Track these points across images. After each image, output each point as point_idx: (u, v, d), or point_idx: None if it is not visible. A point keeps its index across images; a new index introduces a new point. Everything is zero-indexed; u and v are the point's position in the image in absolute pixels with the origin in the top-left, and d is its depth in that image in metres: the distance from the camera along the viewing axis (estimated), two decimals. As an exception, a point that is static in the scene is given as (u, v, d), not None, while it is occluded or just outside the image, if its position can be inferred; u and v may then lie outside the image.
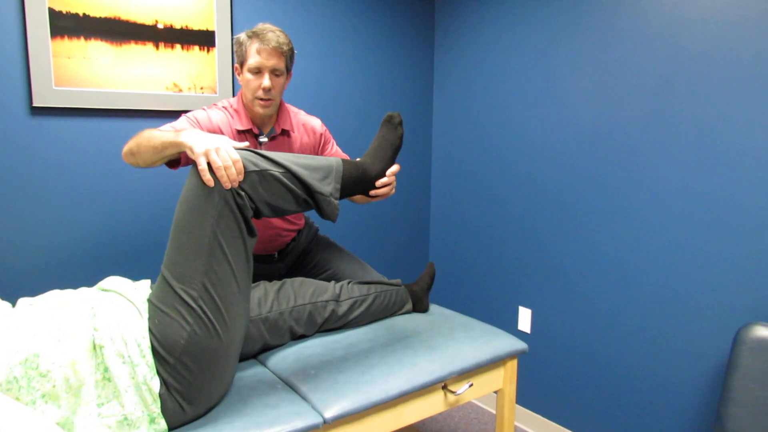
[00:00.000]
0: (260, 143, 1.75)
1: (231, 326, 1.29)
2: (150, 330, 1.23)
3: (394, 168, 1.56)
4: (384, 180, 1.54)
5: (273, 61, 1.62)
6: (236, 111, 1.73)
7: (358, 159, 1.58)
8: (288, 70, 1.69)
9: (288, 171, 1.38)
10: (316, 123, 1.89)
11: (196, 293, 1.24)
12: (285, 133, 1.78)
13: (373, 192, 1.55)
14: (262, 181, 1.34)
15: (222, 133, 1.68)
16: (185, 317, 1.23)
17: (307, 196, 1.42)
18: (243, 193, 1.31)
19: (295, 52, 1.69)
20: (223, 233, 1.28)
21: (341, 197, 1.49)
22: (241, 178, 1.29)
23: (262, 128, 1.76)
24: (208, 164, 1.26)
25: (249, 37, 1.64)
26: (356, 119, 2.55)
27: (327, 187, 1.43)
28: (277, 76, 1.65)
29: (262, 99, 1.65)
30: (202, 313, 1.24)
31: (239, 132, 1.72)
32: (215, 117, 1.69)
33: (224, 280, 1.28)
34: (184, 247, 1.27)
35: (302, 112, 1.89)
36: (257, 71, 1.64)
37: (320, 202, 1.43)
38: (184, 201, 1.30)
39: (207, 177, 1.26)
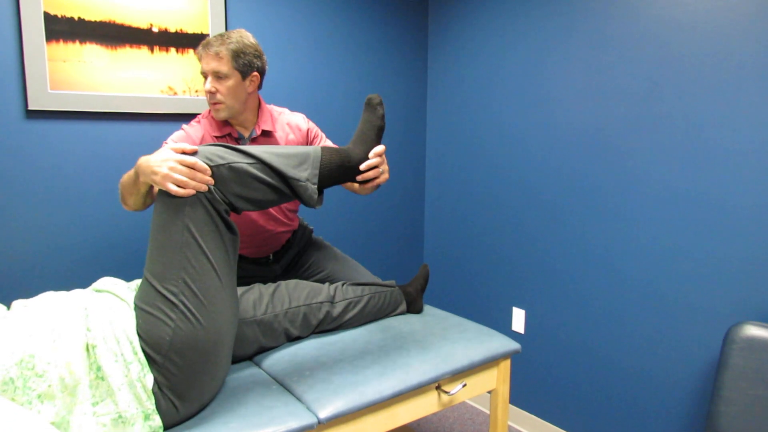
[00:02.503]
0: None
1: (216, 319, 1.29)
2: (137, 332, 1.23)
3: (379, 149, 1.51)
4: (370, 162, 1.49)
5: (212, 65, 1.64)
6: (212, 118, 1.75)
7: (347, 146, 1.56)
8: (240, 71, 1.67)
9: (259, 161, 1.36)
10: (300, 119, 1.89)
11: (176, 289, 1.25)
12: (266, 134, 1.80)
13: (360, 177, 1.51)
14: (231, 174, 1.33)
15: (205, 140, 1.72)
16: (168, 314, 1.23)
17: (283, 185, 1.40)
18: (211, 186, 1.31)
19: (247, 52, 1.66)
20: (196, 226, 1.28)
21: (326, 185, 1.47)
22: (208, 177, 1.30)
23: (242, 131, 1.78)
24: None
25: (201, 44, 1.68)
26: (350, 121, 2.56)
27: (303, 173, 1.41)
28: (220, 78, 1.65)
29: (211, 103, 1.69)
30: (185, 307, 1.24)
31: (217, 138, 1.74)
32: (194, 132, 1.72)
33: (204, 273, 1.28)
34: (160, 245, 1.28)
35: (286, 111, 1.90)
36: (205, 76, 1.67)
37: (296, 188, 1.40)
38: (158, 201, 1.31)
39: (183, 193, 1.28)
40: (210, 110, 1.76)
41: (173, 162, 1.28)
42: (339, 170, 1.47)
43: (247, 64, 1.67)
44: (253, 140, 1.77)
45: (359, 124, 1.55)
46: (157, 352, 1.22)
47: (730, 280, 1.76)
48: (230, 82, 1.66)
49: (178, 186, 1.27)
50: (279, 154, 1.40)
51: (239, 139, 1.76)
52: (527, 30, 2.30)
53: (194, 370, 1.24)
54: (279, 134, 1.82)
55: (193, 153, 1.32)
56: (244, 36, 1.68)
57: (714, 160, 1.77)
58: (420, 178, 2.87)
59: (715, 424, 1.59)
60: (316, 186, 1.43)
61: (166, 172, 1.27)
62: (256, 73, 1.71)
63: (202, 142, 1.71)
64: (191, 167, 1.28)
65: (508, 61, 2.40)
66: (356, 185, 1.69)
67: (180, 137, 1.70)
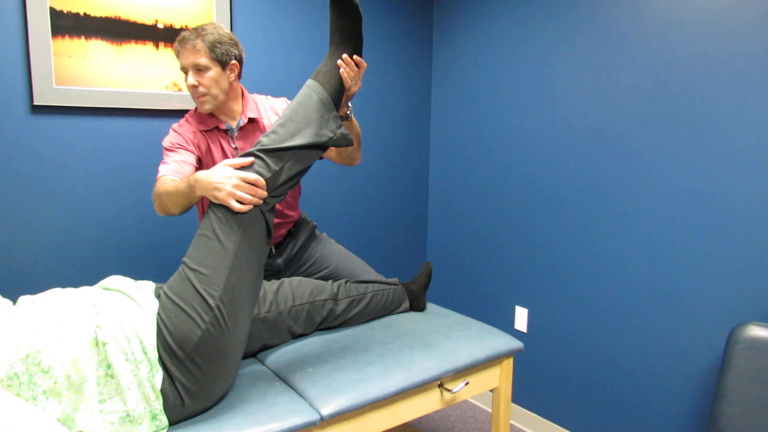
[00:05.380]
0: (231, 137, 1.79)
1: (240, 327, 1.32)
2: (162, 322, 1.25)
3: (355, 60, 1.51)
4: (348, 60, 1.50)
5: (190, 59, 1.66)
6: (199, 113, 1.78)
7: (326, 57, 1.50)
8: (219, 62, 1.68)
9: (297, 148, 1.39)
10: (282, 102, 1.92)
11: (217, 294, 1.27)
12: (252, 121, 1.82)
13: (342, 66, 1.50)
14: (281, 178, 1.38)
15: (196, 140, 1.74)
16: (201, 316, 1.25)
17: (321, 151, 1.45)
18: (269, 200, 1.37)
19: (223, 41, 1.68)
20: (251, 240, 1.33)
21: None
22: (265, 194, 1.35)
23: (229, 122, 1.79)
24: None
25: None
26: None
27: (330, 128, 1.44)
28: (200, 71, 1.67)
29: (196, 96, 1.70)
30: (219, 313, 1.27)
31: (204, 132, 1.76)
32: (185, 131, 1.75)
33: (244, 283, 1.32)
34: (212, 251, 1.31)
35: (269, 97, 1.92)
36: (185, 71, 1.69)
37: (334, 144, 1.45)
38: (216, 211, 1.34)
39: (244, 209, 1.34)
40: (196, 107, 1.79)
41: (236, 179, 1.33)
42: (341, 87, 1.49)
43: (225, 53, 1.69)
44: (241, 129, 1.79)
45: (333, 23, 1.49)
46: (180, 348, 1.23)
47: (734, 280, 1.76)
48: (211, 73, 1.68)
49: (240, 203, 1.34)
50: (307, 123, 1.41)
51: (227, 130, 1.78)
52: (533, 27, 2.30)
53: (211, 371, 1.26)
54: (265, 120, 1.84)
55: (250, 165, 1.37)
56: (218, 27, 1.70)
57: (719, 160, 1.77)
58: (424, 176, 2.87)
59: (717, 424, 1.59)
60: (342, 126, 1.46)
61: (230, 189, 1.33)
62: (235, 62, 1.73)
63: (194, 138, 1.74)
64: (253, 184, 1.34)
65: (513, 58, 2.39)
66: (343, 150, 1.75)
67: (174, 140, 1.73)
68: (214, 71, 1.68)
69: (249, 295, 1.35)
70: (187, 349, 1.23)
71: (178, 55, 1.69)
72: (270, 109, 1.87)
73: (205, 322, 1.25)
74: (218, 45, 1.67)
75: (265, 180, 1.35)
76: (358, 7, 1.48)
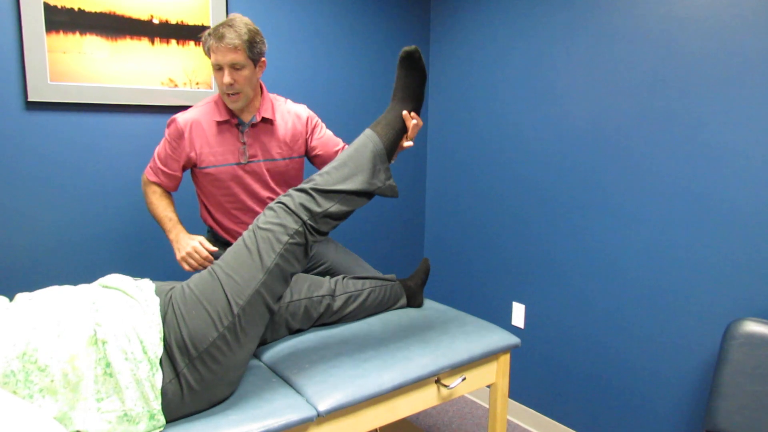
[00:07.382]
0: (242, 132, 1.78)
1: (251, 343, 1.34)
2: (182, 316, 1.26)
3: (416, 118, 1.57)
4: (414, 119, 1.56)
5: (229, 57, 1.65)
6: (216, 103, 1.78)
7: (387, 110, 1.57)
8: (253, 60, 1.70)
9: (347, 192, 1.44)
10: (301, 109, 1.91)
11: (242, 303, 1.30)
12: (266, 121, 1.81)
13: (407, 135, 1.58)
14: (328, 218, 1.42)
15: (190, 136, 1.75)
16: (222, 321, 1.27)
17: (367, 198, 1.50)
18: (315, 237, 1.42)
19: (257, 40, 1.69)
20: (284, 264, 1.38)
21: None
22: (207, 264, 1.69)
23: (243, 117, 1.79)
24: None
25: (209, 35, 1.67)
26: (352, 115, 2.56)
27: (380, 177, 1.48)
28: (237, 69, 1.67)
29: (228, 94, 1.71)
30: (238, 322, 1.29)
31: (218, 123, 1.76)
32: (192, 114, 1.76)
33: (265, 302, 1.35)
34: (248, 263, 1.35)
35: (289, 101, 1.91)
36: (219, 68, 1.68)
37: (381, 193, 1.50)
38: (259, 233, 1.39)
39: (190, 270, 1.73)
40: (218, 96, 1.79)
41: (184, 253, 1.71)
42: (397, 140, 1.55)
43: (259, 51, 1.71)
44: (253, 126, 1.79)
45: (400, 80, 1.56)
46: (195, 346, 1.24)
47: (730, 276, 1.76)
48: (246, 72, 1.69)
49: (188, 264, 1.72)
50: (360, 170, 1.46)
51: (239, 125, 1.78)
52: (531, 24, 2.29)
53: (217, 376, 1.27)
54: (279, 122, 1.84)
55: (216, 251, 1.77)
56: (248, 23, 1.70)
57: (715, 157, 1.77)
58: (421, 172, 2.87)
59: (713, 419, 1.60)
60: (391, 178, 1.51)
61: (180, 256, 1.72)
62: (264, 59, 1.75)
63: (191, 127, 1.74)
64: (200, 253, 1.70)
65: (511, 55, 2.39)
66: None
67: (174, 133, 1.75)
68: (249, 70, 1.70)
69: (263, 316, 1.37)
70: (200, 348, 1.24)
71: (213, 51, 1.67)
72: (288, 114, 1.87)
73: (224, 326, 1.27)
74: (254, 43, 1.68)
75: (314, 215, 1.40)
76: (425, 68, 1.56)
